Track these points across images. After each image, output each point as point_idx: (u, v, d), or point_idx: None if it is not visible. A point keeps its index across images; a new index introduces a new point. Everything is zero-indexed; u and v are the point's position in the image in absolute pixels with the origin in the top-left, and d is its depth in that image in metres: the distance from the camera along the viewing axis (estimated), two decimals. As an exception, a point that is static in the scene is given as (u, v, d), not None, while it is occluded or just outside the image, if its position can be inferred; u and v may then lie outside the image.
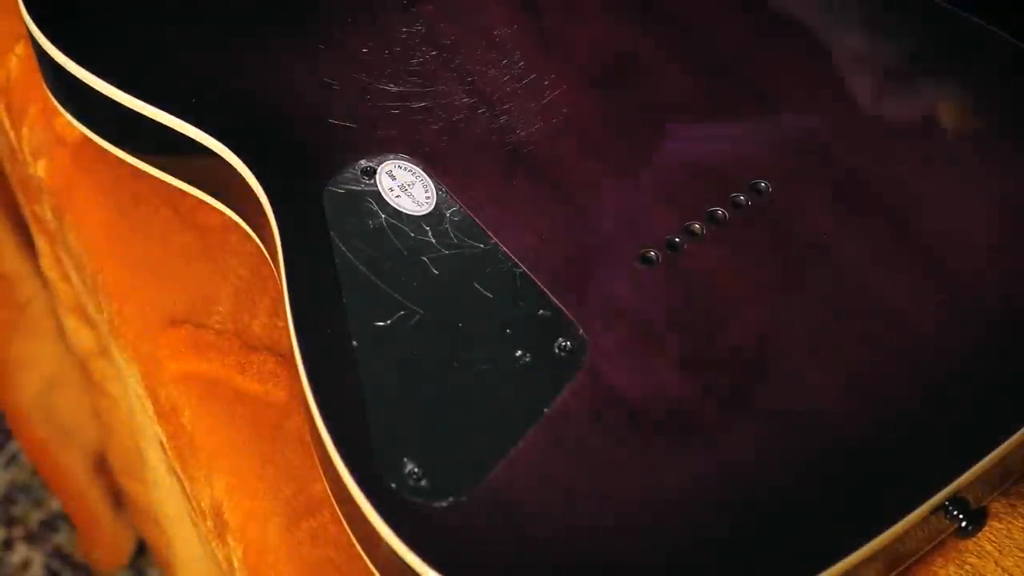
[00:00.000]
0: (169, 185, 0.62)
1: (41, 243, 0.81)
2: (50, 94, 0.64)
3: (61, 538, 1.28)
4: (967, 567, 0.53)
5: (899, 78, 0.60)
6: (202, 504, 0.58)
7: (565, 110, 0.58)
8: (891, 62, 0.60)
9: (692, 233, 0.54)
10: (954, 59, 0.60)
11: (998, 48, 0.60)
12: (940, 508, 0.49)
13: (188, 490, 0.61)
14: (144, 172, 0.63)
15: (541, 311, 0.52)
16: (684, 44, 0.61)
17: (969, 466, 0.49)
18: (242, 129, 0.57)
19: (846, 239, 0.54)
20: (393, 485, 0.47)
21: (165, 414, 0.60)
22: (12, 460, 1.32)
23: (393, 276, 0.53)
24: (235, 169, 0.57)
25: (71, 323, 0.84)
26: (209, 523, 0.58)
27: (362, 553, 0.50)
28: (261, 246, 0.60)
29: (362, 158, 0.56)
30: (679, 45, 0.61)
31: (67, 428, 1.11)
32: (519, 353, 0.51)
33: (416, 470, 0.47)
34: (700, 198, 0.55)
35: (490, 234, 0.54)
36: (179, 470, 0.61)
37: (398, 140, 0.57)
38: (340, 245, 0.54)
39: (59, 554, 1.28)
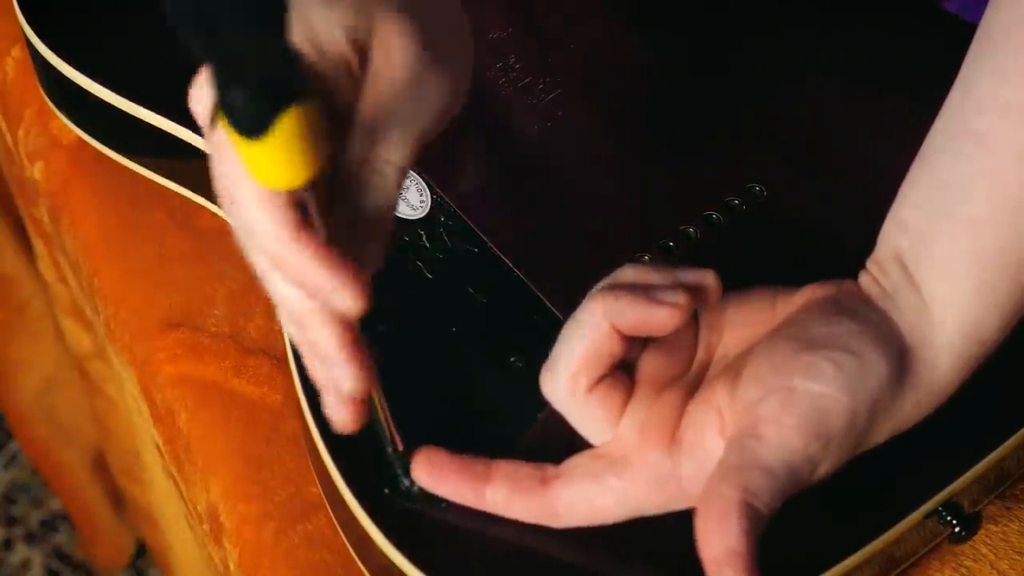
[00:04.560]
0: (164, 188, 0.62)
1: (39, 245, 0.81)
2: (46, 97, 0.64)
3: (61, 538, 1.28)
4: (963, 570, 0.53)
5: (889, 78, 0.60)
6: (198, 507, 0.58)
7: (561, 113, 0.58)
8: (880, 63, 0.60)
9: (687, 237, 0.54)
10: None
11: None
12: (934, 513, 0.49)
13: (184, 493, 0.61)
14: (140, 175, 0.63)
15: (535, 316, 0.52)
16: (679, 46, 0.61)
17: (964, 471, 0.48)
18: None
19: None
20: (386, 490, 0.47)
21: (161, 417, 0.60)
22: (12, 460, 1.32)
23: (387, 280, 0.53)
24: (230, 173, 0.57)
25: (69, 325, 0.84)
26: (205, 526, 0.58)
27: (355, 557, 0.50)
28: (256, 249, 0.60)
29: (357, 162, 0.56)
30: (674, 47, 0.61)
31: (66, 428, 1.12)
32: (513, 358, 0.51)
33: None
34: (697, 202, 0.55)
35: (485, 238, 0.54)
36: (175, 473, 0.61)
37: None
38: (335, 249, 0.54)
39: (59, 554, 1.28)
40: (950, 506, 0.48)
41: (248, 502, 0.55)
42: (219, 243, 0.62)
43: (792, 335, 0.44)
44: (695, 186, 0.56)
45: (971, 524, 0.48)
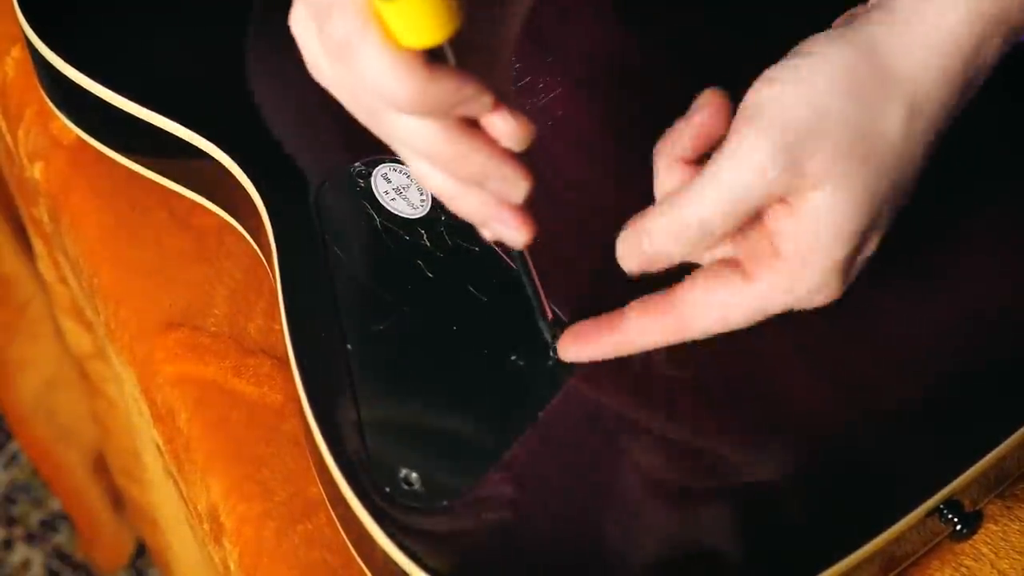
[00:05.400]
0: (165, 188, 0.62)
1: (38, 245, 0.81)
2: (46, 97, 0.64)
3: (61, 538, 1.28)
4: (963, 569, 0.53)
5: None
6: (198, 507, 0.58)
7: (560, 112, 0.58)
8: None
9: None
10: None
11: None
12: (935, 511, 0.49)
13: (184, 493, 0.61)
14: (140, 175, 0.63)
15: (535, 314, 0.52)
16: (678, 46, 0.61)
17: (964, 469, 0.49)
18: (236, 132, 0.57)
19: None
20: (387, 489, 0.47)
21: (161, 417, 0.60)
22: (12, 460, 1.32)
23: (387, 279, 0.53)
24: (230, 172, 0.57)
25: (68, 325, 0.84)
26: (205, 526, 0.58)
27: (356, 556, 0.50)
28: (256, 248, 0.60)
29: (357, 161, 0.56)
30: (675, 46, 0.61)
31: (66, 428, 1.12)
32: (513, 357, 0.51)
33: (410, 475, 0.47)
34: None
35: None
36: (175, 473, 0.61)
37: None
38: (335, 248, 0.54)
39: (59, 554, 1.28)
40: (951, 504, 0.49)
41: (248, 502, 0.55)
42: (219, 242, 0.62)
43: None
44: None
45: (972, 521, 0.49)
